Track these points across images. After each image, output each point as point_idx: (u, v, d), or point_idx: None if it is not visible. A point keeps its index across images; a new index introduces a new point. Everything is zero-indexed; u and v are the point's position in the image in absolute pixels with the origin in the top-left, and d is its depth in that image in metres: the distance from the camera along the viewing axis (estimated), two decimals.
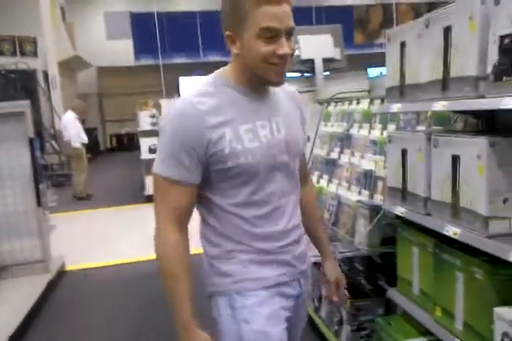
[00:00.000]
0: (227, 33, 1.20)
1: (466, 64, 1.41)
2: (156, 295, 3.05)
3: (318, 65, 4.03)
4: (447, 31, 1.50)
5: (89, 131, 10.63)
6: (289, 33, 1.17)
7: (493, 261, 1.37)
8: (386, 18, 17.52)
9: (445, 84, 1.50)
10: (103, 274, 4.10)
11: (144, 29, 14.74)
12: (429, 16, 1.60)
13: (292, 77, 4.38)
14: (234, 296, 1.27)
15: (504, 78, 1.27)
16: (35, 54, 11.44)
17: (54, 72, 10.41)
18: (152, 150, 6.88)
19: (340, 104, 3.20)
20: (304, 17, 15.09)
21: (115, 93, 15.92)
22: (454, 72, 1.47)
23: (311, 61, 4.04)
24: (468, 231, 1.42)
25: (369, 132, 2.60)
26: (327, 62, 4.07)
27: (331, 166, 2.87)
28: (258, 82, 1.25)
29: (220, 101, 1.21)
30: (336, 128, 3.07)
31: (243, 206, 1.25)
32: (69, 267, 4.25)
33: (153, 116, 7.01)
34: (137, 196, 7.11)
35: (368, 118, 2.68)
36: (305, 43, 4.05)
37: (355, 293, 2.21)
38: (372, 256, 2.06)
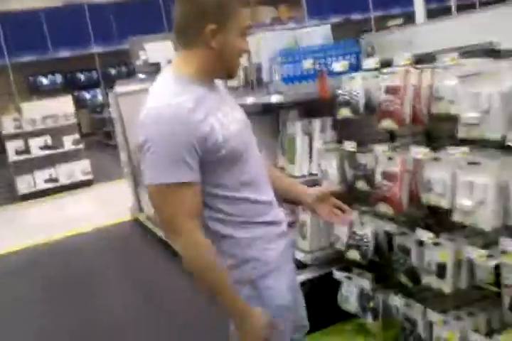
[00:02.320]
0: (212, 26, 1.23)
1: None
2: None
3: (164, 67, 5.05)
4: None
5: None
6: None
7: None
8: None
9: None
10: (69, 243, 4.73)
11: None
12: None
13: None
14: (258, 280, 1.33)
15: None
16: None
17: None
18: (19, 152, 7.31)
19: None
20: (153, 6, 15.71)
21: None
22: None
23: (158, 64, 5.06)
24: None
25: None
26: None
27: None
28: (220, 76, 1.35)
29: (194, 97, 1.24)
30: None
31: (236, 188, 1.31)
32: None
33: (16, 120, 7.39)
34: (6, 197, 7.49)
35: None
36: (151, 50, 5.05)
37: None
38: None
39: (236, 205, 1.32)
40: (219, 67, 1.30)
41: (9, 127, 7.40)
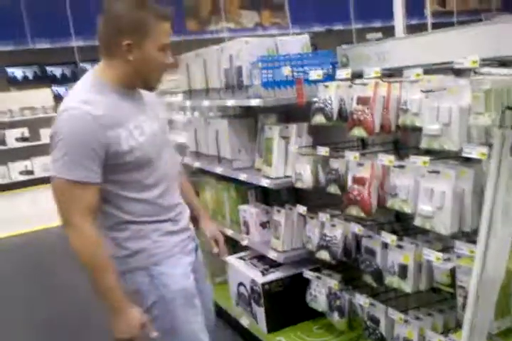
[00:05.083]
0: (127, 41, 1.33)
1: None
2: None
3: None
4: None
5: None
6: None
7: (239, 184, 2.67)
8: (215, 6, 18.82)
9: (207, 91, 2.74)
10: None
11: None
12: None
13: None
14: (151, 267, 1.47)
15: None
16: None
17: None
18: None
19: (164, 96, 4.32)
20: None
21: None
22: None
23: None
24: (225, 168, 2.70)
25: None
26: None
27: None
28: (139, 86, 1.45)
29: (107, 105, 1.35)
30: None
31: (141, 191, 1.44)
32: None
33: None
34: None
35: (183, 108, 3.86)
36: None
37: None
38: None
39: (136, 205, 1.45)
40: (137, 79, 1.41)
41: None
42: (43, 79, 8.88)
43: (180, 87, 3.30)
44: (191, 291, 1.54)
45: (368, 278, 1.91)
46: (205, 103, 2.77)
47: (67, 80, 15.35)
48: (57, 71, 13.93)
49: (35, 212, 5.89)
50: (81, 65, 14.79)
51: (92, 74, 1.41)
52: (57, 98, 8.64)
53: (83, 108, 1.31)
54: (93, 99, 1.34)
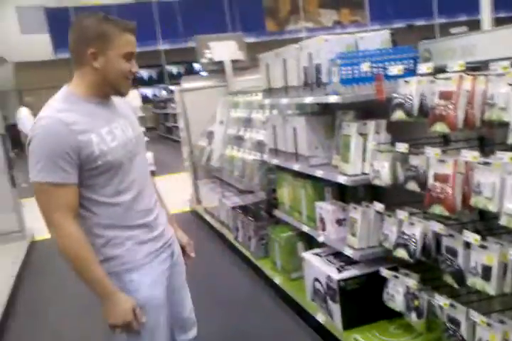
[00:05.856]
0: (92, 50, 1.45)
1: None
2: None
3: (227, 65, 5.24)
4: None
5: (15, 127, 10.63)
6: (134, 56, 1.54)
7: (315, 180, 2.69)
8: (294, 5, 18.85)
9: (286, 89, 2.79)
10: None
11: (61, 23, 14.99)
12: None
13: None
14: (123, 274, 1.54)
15: None
16: None
17: None
18: None
19: (243, 95, 4.44)
20: (216, 4, 16.04)
21: (36, 88, 16.03)
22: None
23: (222, 62, 5.25)
24: (302, 165, 2.73)
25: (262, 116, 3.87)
26: (234, 62, 5.30)
27: (238, 141, 4.12)
28: (110, 93, 1.55)
29: (80, 113, 1.46)
30: (241, 113, 4.32)
31: (114, 195, 1.51)
32: (37, 238, 5.15)
33: None
34: None
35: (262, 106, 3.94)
36: (215, 48, 5.24)
37: (258, 218, 3.52)
38: (263, 191, 3.37)
39: (110, 210, 1.51)
40: (105, 86, 1.51)
41: None
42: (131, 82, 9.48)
43: (260, 86, 3.40)
44: (158, 301, 1.60)
45: (449, 279, 1.85)
46: (284, 101, 2.82)
47: (153, 82, 16.12)
48: (144, 73, 14.72)
49: None
50: (166, 67, 15.46)
51: (66, 88, 1.53)
52: (146, 99, 9.15)
53: (56, 116, 1.42)
54: (66, 108, 1.45)
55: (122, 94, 1.57)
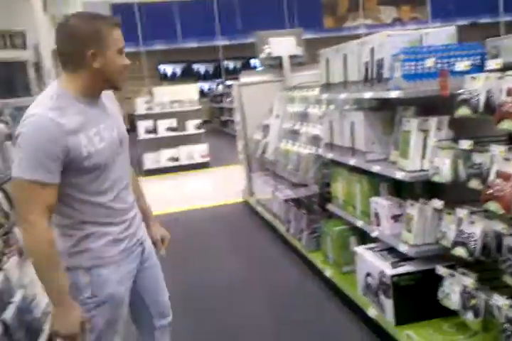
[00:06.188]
0: (92, 51, 1.45)
1: None
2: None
3: (286, 61, 5.28)
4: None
5: None
6: None
7: (371, 176, 2.70)
8: (353, 2, 18.57)
9: (345, 84, 2.80)
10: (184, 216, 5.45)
11: (125, 18, 15.58)
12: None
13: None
14: (93, 268, 1.56)
15: None
16: (24, 46, 12.12)
17: (48, 64, 11.19)
18: (148, 131, 8.07)
19: (300, 90, 4.47)
20: (274, 0, 16.09)
21: None
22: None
23: (280, 58, 5.29)
24: (358, 160, 2.74)
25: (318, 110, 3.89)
26: (292, 58, 5.33)
27: (294, 135, 4.16)
28: (106, 88, 1.57)
29: (70, 113, 1.45)
30: (298, 108, 4.35)
31: (97, 194, 1.54)
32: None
33: (148, 102, 8.16)
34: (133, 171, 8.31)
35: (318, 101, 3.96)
36: (274, 44, 5.30)
37: (310, 212, 3.56)
38: (317, 185, 3.41)
39: (89, 207, 1.54)
40: (103, 83, 1.53)
41: (141, 108, 8.17)
42: (189, 76, 9.72)
43: (316, 81, 3.41)
44: (121, 297, 1.64)
45: (509, 279, 1.82)
46: (342, 96, 2.83)
47: (211, 76, 16.44)
48: (201, 68, 15.01)
49: (177, 195, 6.52)
50: (224, 62, 15.73)
51: (56, 86, 1.51)
52: (202, 93, 9.38)
53: (48, 114, 1.41)
54: (57, 107, 1.43)
55: (119, 87, 1.58)
